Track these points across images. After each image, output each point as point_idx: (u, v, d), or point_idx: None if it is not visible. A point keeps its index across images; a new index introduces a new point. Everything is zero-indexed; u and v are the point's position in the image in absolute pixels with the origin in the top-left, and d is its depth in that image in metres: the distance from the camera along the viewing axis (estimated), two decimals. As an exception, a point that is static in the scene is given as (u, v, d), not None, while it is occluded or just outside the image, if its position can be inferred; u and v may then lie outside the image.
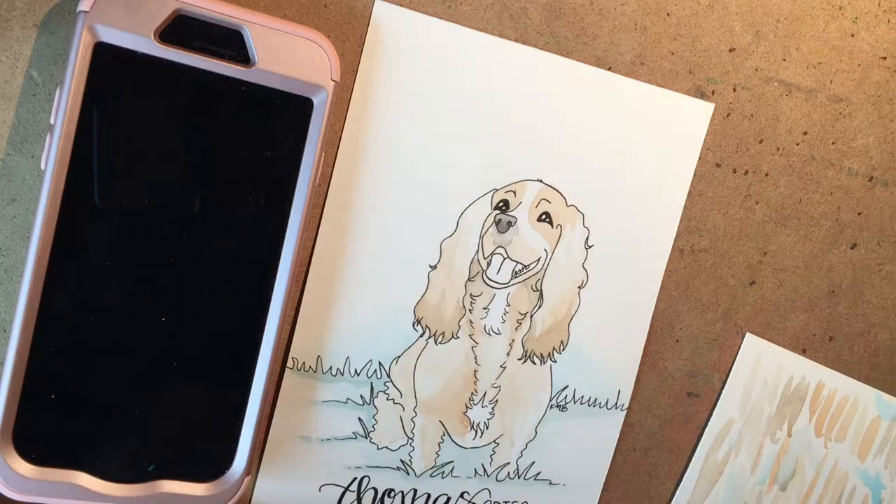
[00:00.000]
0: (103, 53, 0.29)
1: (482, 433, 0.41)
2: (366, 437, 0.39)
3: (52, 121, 0.29)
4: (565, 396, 0.42)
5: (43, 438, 0.31)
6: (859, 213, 0.45)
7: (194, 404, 0.33)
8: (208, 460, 0.33)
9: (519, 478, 0.42)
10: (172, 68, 0.30)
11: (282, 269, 0.33)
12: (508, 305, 0.39)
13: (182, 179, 0.31)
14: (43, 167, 0.29)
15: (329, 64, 0.32)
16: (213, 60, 0.30)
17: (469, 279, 0.39)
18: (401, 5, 0.35)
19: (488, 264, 0.39)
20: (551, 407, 0.42)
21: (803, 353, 0.47)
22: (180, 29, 0.30)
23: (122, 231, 0.31)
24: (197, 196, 0.31)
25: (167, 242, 0.31)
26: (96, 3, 0.29)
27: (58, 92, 0.29)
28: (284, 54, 0.31)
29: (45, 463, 0.31)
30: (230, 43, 0.31)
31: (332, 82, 0.32)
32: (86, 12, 0.29)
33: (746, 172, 0.43)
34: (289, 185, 0.32)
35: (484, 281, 0.39)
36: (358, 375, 0.38)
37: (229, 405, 0.33)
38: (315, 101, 0.32)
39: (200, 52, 0.30)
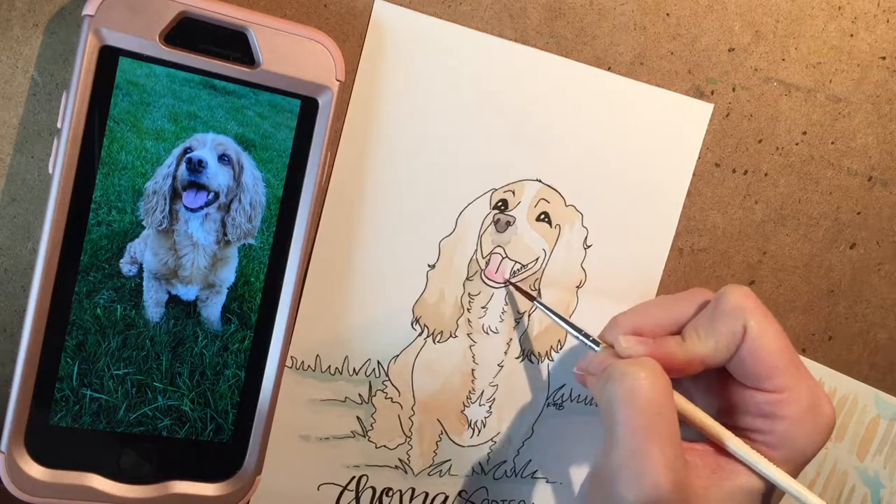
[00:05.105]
0: (109, 57, 0.31)
1: (480, 432, 0.42)
2: (364, 436, 0.40)
3: (58, 125, 0.31)
4: (562, 395, 0.44)
5: (55, 442, 0.32)
6: (858, 213, 0.47)
7: (204, 405, 0.35)
8: (220, 460, 0.35)
9: (516, 476, 0.44)
10: (178, 70, 0.32)
11: (289, 270, 0.34)
12: (507, 304, 0.41)
13: (187, 180, 0.33)
14: (51, 171, 0.31)
15: (334, 64, 0.33)
16: (219, 62, 0.32)
17: (467, 278, 0.40)
18: (401, 5, 0.37)
19: (487, 263, 0.41)
20: (548, 405, 0.43)
21: (803, 352, 0.49)
22: (185, 31, 0.32)
23: (129, 234, 0.33)
24: (205, 197, 0.33)
25: (174, 244, 0.33)
26: (101, 7, 0.30)
27: (64, 96, 0.31)
28: (289, 55, 0.33)
29: (57, 466, 0.32)
30: (235, 44, 0.32)
31: (337, 82, 0.34)
32: (91, 16, 0.30)
33: (746, 172, 0.44)
34: (295, 186, 0.34)
35: (482, 280, 0.41)
36: (356, 374, 0.39)
37: (240, 404, 0.35)
38: (320, 101, 0.34)
39: (205, 53, 0.32)
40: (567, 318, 0.42)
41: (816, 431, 0.35)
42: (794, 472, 0.35)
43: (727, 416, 0.37)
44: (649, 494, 0.31)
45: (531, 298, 0.40)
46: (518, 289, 0.40)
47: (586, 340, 0.38)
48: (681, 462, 0.32)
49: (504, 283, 0.41)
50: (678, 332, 0.37)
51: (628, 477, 0.32)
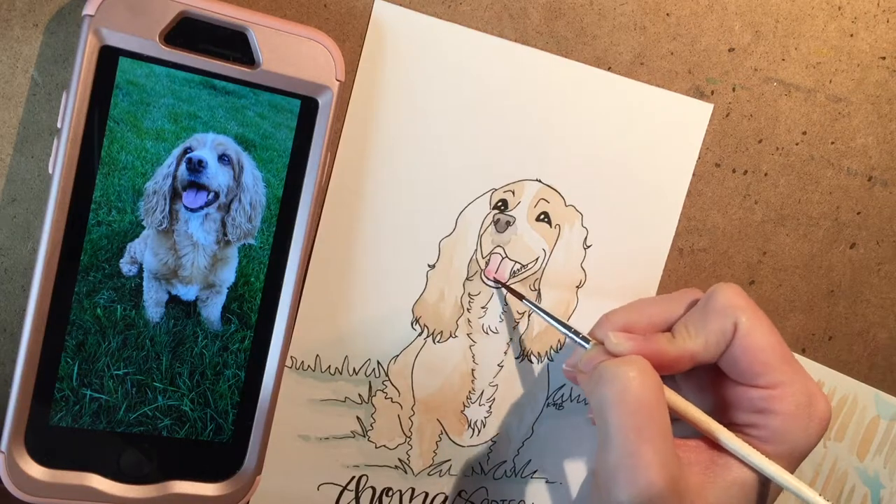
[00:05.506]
0: (109, 57, 0.31)
1: (480, 432, 0.42)
2: (364, 436, 0.40)
3: (58, 125, 0.31)
4: (562, 395, 0.44)
5: (55, 442, 0.32)
6: (858, 213, 0.48)
7: (204, 405, 0.35)
8: (220, 460, 0.35)
9: (516, 476, 0.44)
10: (178, 70, 0.32)
11: (289, 270, 0.34)
12: (506, 304, 0.41)
13: (187, 180, 0.33)
14: (51, 171, 0.31)
15: (334, 64, 0.34)
16: (219, 62, 0.32)
17: (467, 278, 0.40)
18: (401, 5, 0.37)
19: (487, 263, 0.41)
20: (548, 405, 0.44)
21: (802, 352, 0.49)
22: (185, 31, 0.32)
23: (129, 234, 0.33)
24: (205, 197, 0.33)
25: (174, 244, 0.33)
26: (101, 6, 0.30)
27: (64, 96, 0.31)
28: (289, 55, 0.33)
29: (57, 466, 0.32)
30: (235, 44, 0.32)
31: (337, 82, 0.34)
32: (91, 16, 0.30)
33: (746, 172, 0.45)
34: (295, 186, 0.34)
35: (482, 280, 0.41)
36: (356, 374, 0.39)
37: (240, 404, 0.35)
38: (320, 101, 0.34)
39: (205, 54, 0.32)
40: (563, 318, 0.42)
41: (811, 426, 0.35)
42: (791, 467, 0.35)
43: (721, 412, 0.37)
44: (645, 494, 0.31)
45: (520, 297, 0.40)
46: (508, 289, 0.41)
47: (576, 338, 0.38)
48: (674, 460, 0.32)
49: (496, 283, 0.41)
50: (668, 329, 0.38)
51: (623, 477, 0.32)
